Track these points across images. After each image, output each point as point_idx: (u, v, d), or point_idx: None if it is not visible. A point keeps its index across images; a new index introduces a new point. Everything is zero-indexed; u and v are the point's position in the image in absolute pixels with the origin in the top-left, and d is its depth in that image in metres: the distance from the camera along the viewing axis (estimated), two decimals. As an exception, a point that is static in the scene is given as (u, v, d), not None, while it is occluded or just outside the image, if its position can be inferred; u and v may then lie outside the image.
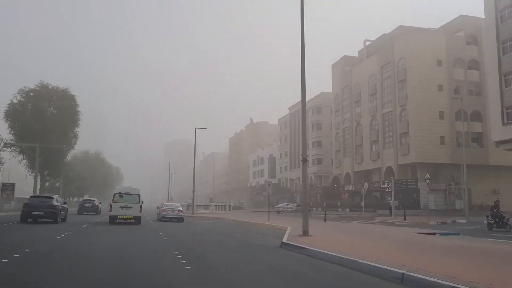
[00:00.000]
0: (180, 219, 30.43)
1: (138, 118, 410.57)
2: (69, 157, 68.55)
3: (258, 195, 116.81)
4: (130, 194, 24.37)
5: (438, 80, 55.21)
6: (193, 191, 49.03)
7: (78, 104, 56.02)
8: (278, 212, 58.67)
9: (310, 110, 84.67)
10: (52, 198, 23.55)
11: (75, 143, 58.64)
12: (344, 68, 72.90)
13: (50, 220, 22.28)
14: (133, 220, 23.83)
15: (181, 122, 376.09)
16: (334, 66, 76.41)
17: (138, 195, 24.67)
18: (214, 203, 72.79)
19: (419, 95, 54.14)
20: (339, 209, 63.66)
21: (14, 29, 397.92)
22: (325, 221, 30.10)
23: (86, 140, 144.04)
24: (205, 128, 50.40)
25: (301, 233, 16.42)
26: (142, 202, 24.92)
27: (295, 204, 59.89)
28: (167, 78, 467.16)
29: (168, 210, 30.96)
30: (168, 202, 53.33)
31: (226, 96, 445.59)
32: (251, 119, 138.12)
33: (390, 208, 40.70)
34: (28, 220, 22.18)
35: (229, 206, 57.77)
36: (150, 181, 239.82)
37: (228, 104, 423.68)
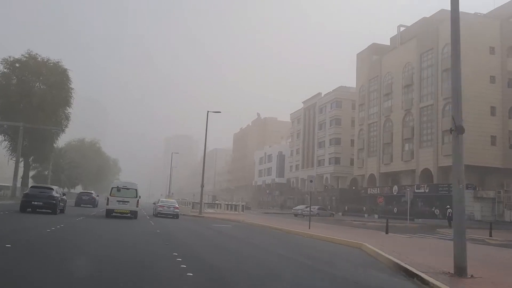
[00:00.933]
0: (175, 216, 30.65)
1: (138, 111, 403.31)
2: (60, 142, 61.55)
3: (262, 195, 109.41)
4: (127, 189, 24.37)
5: (490, 70, 47.78)
6: (202, 186, 41.45)
7: (71, 80, 48.50)
8: (296, 215, 51.31)
9: (328, 104, 77.23)
10: (52, 189, 24.12)
11: (66, 126, 51.08)
12: (371, 57, 65.35)
13: (49, 210, 22.75)
14: (129, 215, 23.90)
15: (182, 117, 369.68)
16: (359, 55, 68.82)
17: (136, 190, 24.60)
18: (218, 202, 65.34)
19: (468, 87, 46.54)
20: (365, 215, 56.09)
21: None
22: (386, 233, 22.54)
23: (84, 130, 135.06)
24: (219, 112, 42.23)
25: (448, 270, 8.89)
26: (139, 197, 24.81)
27: (316, 207, 52.33)
28: (169, 72, 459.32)
29: (164, 206, 31.27)
30: (167, 198, 51.68)
31: (230, 92, 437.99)
32: (258, 114, 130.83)
33: (449, 218, 33.13)
34: (27, 209, 22.58)
35: (242, 206, 49.98)
36: (148, 176, 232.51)
37: (232, 101, 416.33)
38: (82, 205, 38.97)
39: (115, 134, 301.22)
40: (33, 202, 22.40)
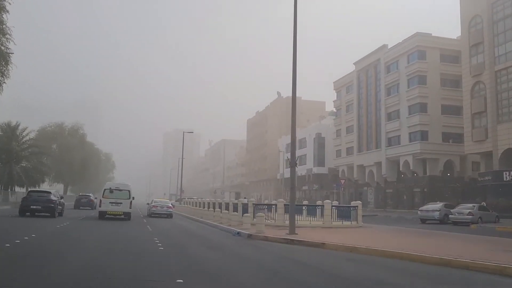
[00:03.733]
0: (169, 215, 30.83)
1: (136, 104, 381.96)
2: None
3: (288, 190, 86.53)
4: (120, 190, 24.50)
5: None
6: (293, 165, 19.08)
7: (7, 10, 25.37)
8: (424, 221, 28.67)
9: (403, 57, 54.22)
10: (50, 193, 24.76)
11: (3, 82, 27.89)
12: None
13: (48, 214, 23.17)
14: (122, 216, 24.01)
15: (182, 110, 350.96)
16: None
17: (129, 191, 24.71)
18: (247, 199, 42.55)
19: None
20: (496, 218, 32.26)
21: None
22: None
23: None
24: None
25: None
26: (133, 198, 24.90)
27: (474, 205, 29.02)
28: (168, 60, 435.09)
29: (157, 206, 31.50)
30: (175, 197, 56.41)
31: (235, 81, 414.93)
32: (278, 93, 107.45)
33: None
34: (26, 213, 23.24)
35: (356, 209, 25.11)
36: (147, 174, 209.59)
37: (238, 89, 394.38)
38: (81, 207, 39.94)
39: (110, 128, 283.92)
40: (31, 206, 23.11)
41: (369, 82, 61.26)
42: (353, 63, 65.30)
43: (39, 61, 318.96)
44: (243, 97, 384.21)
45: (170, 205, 32.96)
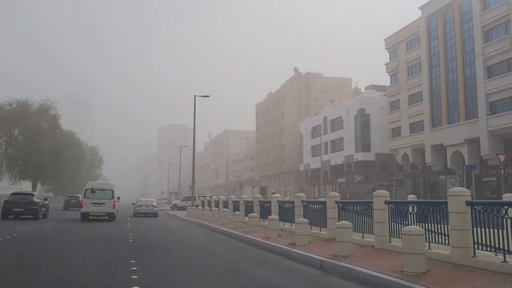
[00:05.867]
0: (155, 214, 31.35)
1: (128, 101, 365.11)
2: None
3: (315, 183, 69.16)
4: (103, 190, 23.84)
5: None
6: None
7: None
8: None
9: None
10: (33, 195, 25.11)
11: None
12: None
13: (31, 216, 23.22)
14: (106, 217, 23.38)
15: (177, 105, 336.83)
16: None
17: (112, 190, 24.06)
18: (298, 196, 27.56)
19: None
20: None
21: None
22: None
23: (69, 124, 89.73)
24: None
25: None
26: (118, 199, 24.81)
27: None
28: (162, 53, 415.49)
29: (142, 206, 31.94)
30: (178, 193, 60.11)
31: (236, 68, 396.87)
32: (296, 69, 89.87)
33: None
34: (9, 216, 23.04)
35: None
36: (142, 172, 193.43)
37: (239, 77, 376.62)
38: (70, 208, 39.56)
39: (101, 123, 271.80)
40: (14, 209, 22.93)
41: (448, 29, 43.79)
42: (419, 8, 47.76)
43: (25, 56, 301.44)
44: (241, 91, 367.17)
45: (156, 204, 33.69)
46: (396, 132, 51.52)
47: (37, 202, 23.61)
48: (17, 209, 22.78)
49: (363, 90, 70.76)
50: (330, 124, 66.83)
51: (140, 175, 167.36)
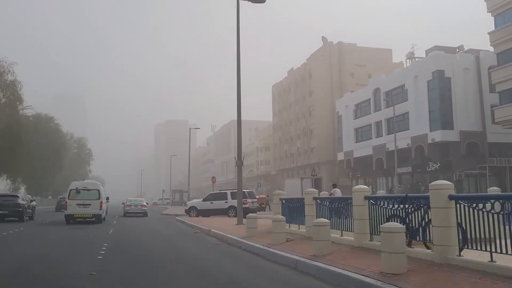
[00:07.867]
0: (144, 214, 31.17)
1: (123, 99, 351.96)
2: None
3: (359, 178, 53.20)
4: (88, 190, 22.19)
5: None
6: None
7: None
8: None
9: None
10: (17, 196, 24.07)
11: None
12: None
13: (16, 218, 22.59)
14: (93, 219, 21.84)
15: (174, 100, 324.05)
16: None
17: (98, 190, 22.45)
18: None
19: None
20: None
21: None
22: None
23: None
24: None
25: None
26: (107, 199, 24.06)
27: None
28: (159, 45, 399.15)
29: (131, 205, 31.72)
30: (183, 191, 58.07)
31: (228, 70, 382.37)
32: (324, 38, 73.77)
33: None
34: None
35: None
36: (137, 171, 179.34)
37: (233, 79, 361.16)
38: (62, 210, 34.69)
39: (95, 119, 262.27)
40: None
41: None
42: None
43: (18, 53, 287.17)
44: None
45: (145, 203, 33.51)
46: (507, 97, 35.73)
47: (22, 204, 23.11)
48: (1, 211, 22.15)
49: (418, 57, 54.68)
50: (385, 97, 51.07)
51: (136, 174, 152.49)
